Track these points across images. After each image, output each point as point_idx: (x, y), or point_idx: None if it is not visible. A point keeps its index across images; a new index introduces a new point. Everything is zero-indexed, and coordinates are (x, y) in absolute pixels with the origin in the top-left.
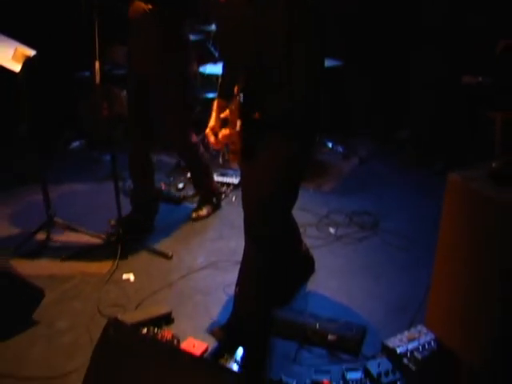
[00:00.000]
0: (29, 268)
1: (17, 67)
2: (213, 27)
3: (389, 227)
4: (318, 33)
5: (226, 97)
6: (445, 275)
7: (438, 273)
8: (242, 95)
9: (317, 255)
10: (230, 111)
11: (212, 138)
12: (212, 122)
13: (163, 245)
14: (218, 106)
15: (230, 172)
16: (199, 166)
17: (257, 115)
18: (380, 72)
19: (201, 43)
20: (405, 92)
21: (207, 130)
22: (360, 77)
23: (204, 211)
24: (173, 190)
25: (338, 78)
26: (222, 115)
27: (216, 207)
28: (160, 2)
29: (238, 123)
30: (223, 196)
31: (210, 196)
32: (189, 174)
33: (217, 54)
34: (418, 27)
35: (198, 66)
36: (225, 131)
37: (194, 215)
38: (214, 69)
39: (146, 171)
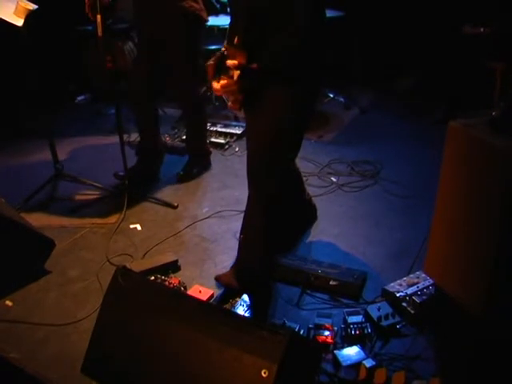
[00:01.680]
0: (39, 220)
1: (19, 22)
2: None
3: (389, 176)
4: None
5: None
6: (444, 222)
7: (438, 220)
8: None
9: (319, 203)
10: (229, 61)
11: (215, 85)
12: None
13: (169, 195)
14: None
15: (233, 123)
16: (200, 123)
17: (255, 65)
18: (380, 22)
19: None
20: (406, 42)
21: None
22: (361, 27)
23: (192, 172)
24: (177, 142)
25: (339, 29)
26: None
27: (204, 169)
28: None
29: (236, 73)
30: (226, 147)
31: (200, 157)
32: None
33: (218, 6)
34: None
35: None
36: (222, 81)
37: (181, 175)
38: (216, 21)
39: (151, 123)
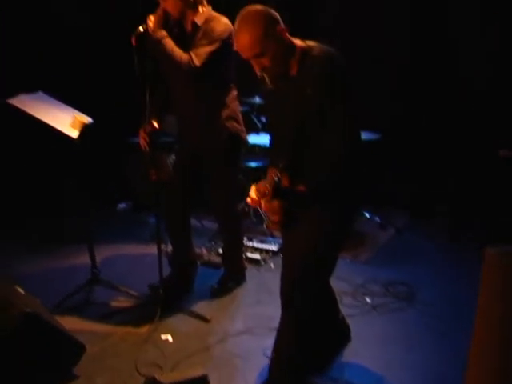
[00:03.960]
0: (71, 323)
1: (74, 133)
2: (257, 100)
3: (424, 299)
4: (349, 104)
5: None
6: (482, 353)
7: (475, 351)
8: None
9: (352, 324)
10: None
11: (249, 198)
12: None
13: (201, 308)
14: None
15: (269, 239)
16: (237, 238)
17: (301, 188)
18: (417, 144)
19: (245, 114)
20: (442, 165)
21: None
22: (397, 149)
23: (226, 286)
24: (213, 255)
25: (376, 151)
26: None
27: (239, 284)
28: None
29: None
30: (262, 263)
31: (236, 272)
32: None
33: (260, 125)
34: (456, 100)
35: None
36: (269, 203)
37: (215, 288)
38: (257, 139)
39: (183, 234)
